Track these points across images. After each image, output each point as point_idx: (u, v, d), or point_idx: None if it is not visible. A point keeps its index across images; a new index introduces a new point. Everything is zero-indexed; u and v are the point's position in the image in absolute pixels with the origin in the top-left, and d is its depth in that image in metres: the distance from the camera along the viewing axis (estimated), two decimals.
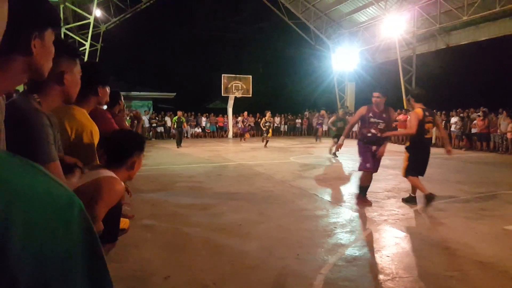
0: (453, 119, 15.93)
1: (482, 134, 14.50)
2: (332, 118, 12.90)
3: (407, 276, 3.14)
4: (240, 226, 4.59)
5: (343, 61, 24.37)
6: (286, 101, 27.15)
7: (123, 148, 1.91)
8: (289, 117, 26.45)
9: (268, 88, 27.68)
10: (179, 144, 15.73)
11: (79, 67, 1.63)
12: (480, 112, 14.79)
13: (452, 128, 15.90)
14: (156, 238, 4.17)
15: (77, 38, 19.01)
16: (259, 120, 24.36)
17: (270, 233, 4.32)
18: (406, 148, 5.75)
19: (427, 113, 5.42)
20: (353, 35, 23.61)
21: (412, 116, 5.52)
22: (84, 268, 0.46)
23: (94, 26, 18.90)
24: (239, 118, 21.76)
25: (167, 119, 22.48)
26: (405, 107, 20.34)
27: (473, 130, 14.94)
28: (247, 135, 18.76)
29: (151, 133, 21.77)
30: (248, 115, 19.55)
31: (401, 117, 18.53)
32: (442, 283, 2.99)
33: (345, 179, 8.27)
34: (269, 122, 15.98)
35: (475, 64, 18.16)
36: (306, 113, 27.10)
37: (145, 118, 20.93)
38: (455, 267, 3.32)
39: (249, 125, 19.76)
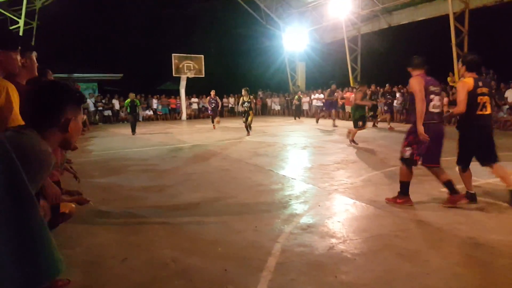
0: (396, 95, 16.86)
1: None
2: (359, 94, 9.51)
3: (356, 238, 3.41)
4: (198, 204, 4.64)
5: (293, 41, 24.68)
6: (239, 81, 27.02)
7: (50, 100, 1.46)
8: (218, 100, 26.49)
9: (221, 68, 27.33)
10: (134, 130, 13.93)
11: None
12: None
13: (394, 104, 16.84)
14: (110, 223, 4.09)
15: (8, 15, 17.39)
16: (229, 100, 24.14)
17: (228, 209, 4.43)
18: (457, 129, 4.45)
19: (480, 83, 4.17)
20: (302, 15, 23.93)
21: (459, 87, 4.23)
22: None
23: (28, 2, 17.37)
24: (206, 99, 20.42)
25: (115, 101, 21.55)
26: (352, 85, 21.19)
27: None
28: (217, 120, 15.81)
29: (97, 117, 20.78)
30: (215, 95, 15.78)
31: (347, 95, 19.27)
32: (388, 242, 3.29)
33: (299, 154, 8.56)
34: (248, 101, 12.54)
35: (415, 43, 19.25)
36: (260, 93, 27.29)
37: (90, 102, 19.92)
38: (399, 227, 3.65)
39: (216, 105, 15.74)
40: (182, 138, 12.58)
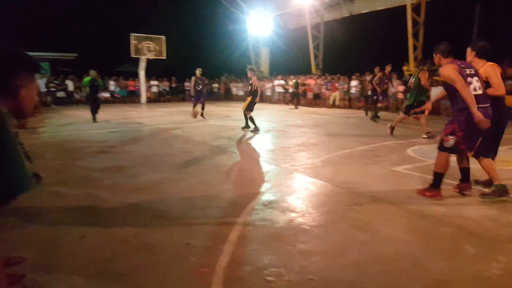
0: (353, 82, 17.37)
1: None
2: (425, 75, 8.23)
3: (315, 212, 3.57)
4: (160, 184, 4.61)
5: (257, 26, 24.59)
6: (202, 64, 26.57)
7: None
8: (205, 81, 26.09)
9: (183, 50, 26.67)
10: (94, 117, 11.76)
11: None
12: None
13: (352, 91, 17.38)
14: (66, 203, 3.94)
15: None
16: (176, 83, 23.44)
17: (191, 189, 4.44)
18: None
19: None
20: None
21: (491, 72, 3.97)
22: None
23: None
24: (187, 83, 18.57)
25: (69, 82, 20.50)
26: (313, 72, 21.56)
27: (370, 92, 16.51)
28: (194, 112, 12.27)
29: (49, 98, 19.66)
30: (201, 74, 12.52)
31: (309, 81, 19.60)
32: (343, 215, 3.47)
33: (262, 138, 8.67)
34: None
35: (374, 32, 19.86)
36: (223, 77, 27.08)
37: (40, 82, 18.80)
38: (354, 202, 3.86)
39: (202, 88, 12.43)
40: (142, 120, 12.28)
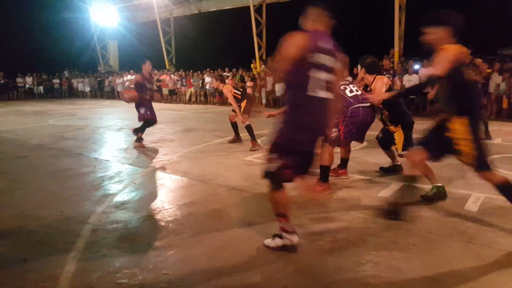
0: (207, 79, 17.83)
1: None
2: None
3: (171, 207, 3.57)
4: None
5: (102, 17, 22.71)
6: (38, 58, 23.04)
7: None
8: (43, 77, 22.83)
9: (11, 42, 22.64)
10: None
11: None
12: (230, 72, 17.18)
13: (207, 87, 17.81)
14: None
15: None
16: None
17: (28, 198, 3.89)
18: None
19: None
20: None
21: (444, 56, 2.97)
22: None
23: None
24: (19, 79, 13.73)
25: None
26: (167, 67, 21.25)
27: None
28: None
29: None
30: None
31: (163, 77, 19.23)
32: (199, 206, 3.57)
33: (113, 136, 8.13)
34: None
35: (223, 30, 20.76)
36: (65, 72, 24.12)
37: None
38: (208, 193, 4.00)
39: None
40: None
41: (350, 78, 4.61)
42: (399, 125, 4.45)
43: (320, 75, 2.42)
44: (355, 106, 4.19)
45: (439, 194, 3.65)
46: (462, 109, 2.84)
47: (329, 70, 2.46)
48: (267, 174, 2.52)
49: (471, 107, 2.89)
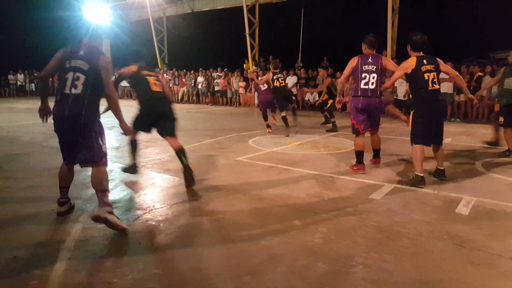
0: (199, 79, 17.78)
1: (223, 91, 16.96)
2: (498, 76, 6.25)
3: (162, 207, 3.58)
4: None
5: (95, 15, 22.48)
6: (30, 56, 22.73)
7: None
8: (35, 74, 22.55)
9: (4, 40, 22.30)
10: None
11: None
12: (222, 72, 17.15)
13: (199, 86, 17.76)
14: None
15: None
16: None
17: (18, 196, 3.90)
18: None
19: (424, 61, 4.24)
20: None
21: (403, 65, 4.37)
22: None
23: None
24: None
25: None
26: (160, 66, 21.15)
27: (216, 88, 17.21)
28: None
29: None
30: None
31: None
32: (190, 207, 3.60)
33: (107, 135, 8.05)
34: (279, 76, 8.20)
35: (216, 29, 20.72)
36: None
37: None
38: (200, 192, 4.01)
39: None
40: None
41: None
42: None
43: None
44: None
45: (415, 181, 4.12)
46: None
47: None
48: None
49: None
